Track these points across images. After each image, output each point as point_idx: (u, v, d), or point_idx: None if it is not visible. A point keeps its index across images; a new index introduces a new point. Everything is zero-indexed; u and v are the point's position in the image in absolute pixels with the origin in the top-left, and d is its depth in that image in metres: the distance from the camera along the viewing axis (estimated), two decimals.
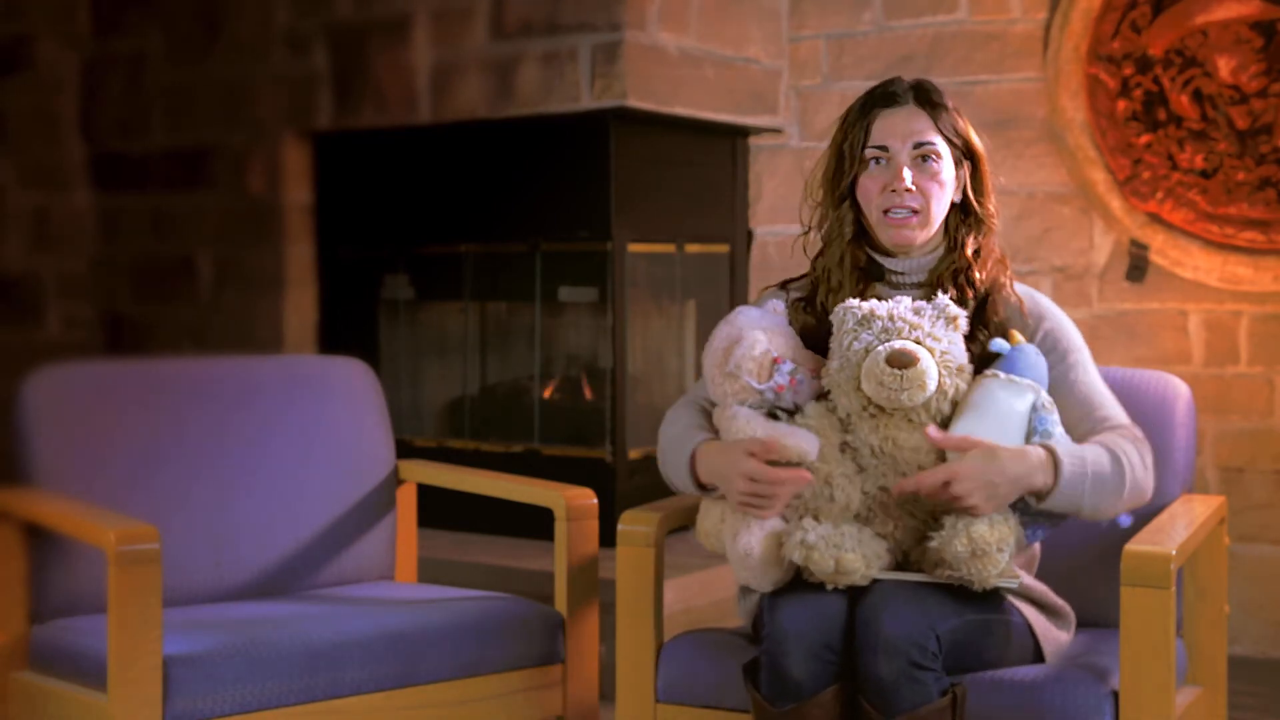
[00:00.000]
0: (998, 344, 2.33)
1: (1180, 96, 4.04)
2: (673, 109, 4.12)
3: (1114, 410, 2.40)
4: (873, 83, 4.02)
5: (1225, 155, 4.01)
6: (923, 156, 2.39)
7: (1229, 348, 4.05)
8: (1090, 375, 2.42)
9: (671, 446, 2.43)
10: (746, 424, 2.31)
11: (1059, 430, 2.30)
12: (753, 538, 2.27)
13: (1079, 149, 4.14)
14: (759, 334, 2.35)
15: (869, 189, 2.42)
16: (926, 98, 2.42)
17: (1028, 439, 2.28)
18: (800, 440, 2.27)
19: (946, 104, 2.43)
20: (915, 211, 2.39)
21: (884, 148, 2.40)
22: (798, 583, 2.26)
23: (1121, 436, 2.34)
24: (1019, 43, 4.25)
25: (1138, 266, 4.13)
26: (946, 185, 2.41)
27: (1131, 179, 4.10)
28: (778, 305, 2.45)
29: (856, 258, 2.45)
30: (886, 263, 2.45)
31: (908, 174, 2.38)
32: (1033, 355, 2.33)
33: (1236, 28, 3.98)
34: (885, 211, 2.40)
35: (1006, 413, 2.27)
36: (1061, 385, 2.38)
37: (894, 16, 4.41)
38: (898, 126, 2.41)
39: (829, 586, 2.22)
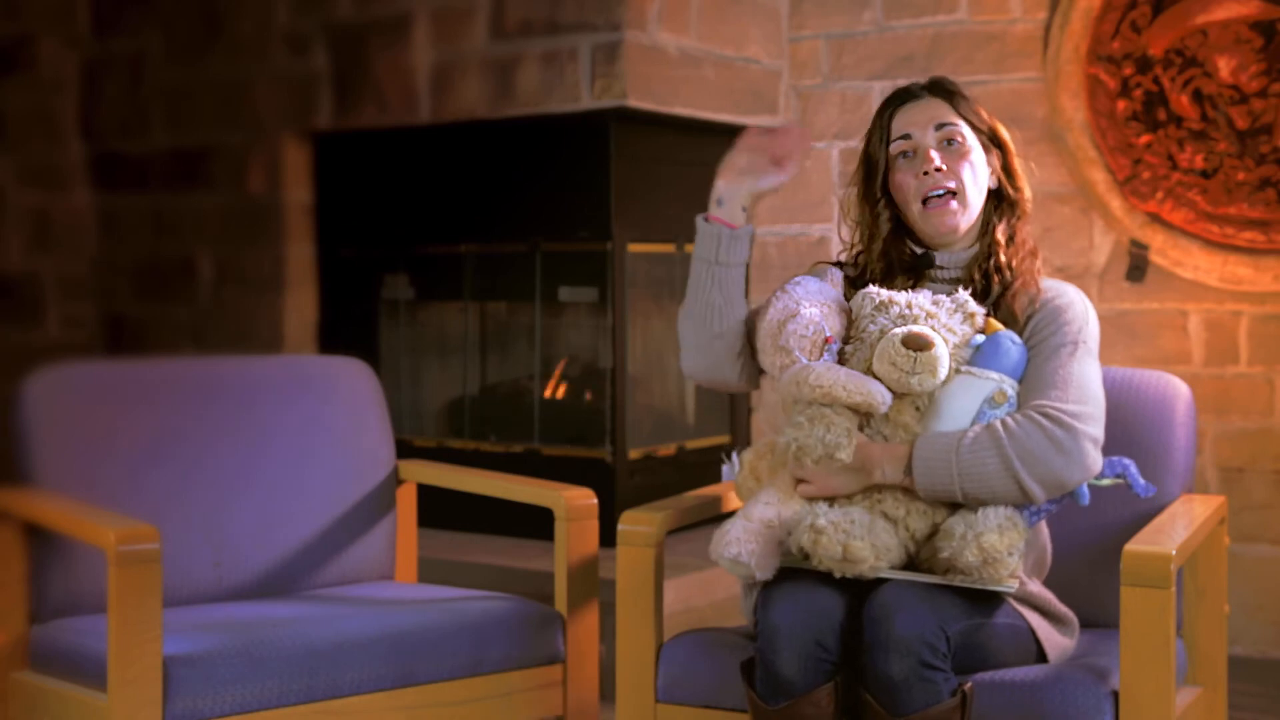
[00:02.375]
0: (974, 338, 2.34)
1: (1180, 96, 4.04)
2: (673, 109, 4.12)
3: (1057, 391, 2.28)
4: (873, 82, 4.02)
5: (1225, 155, 4.01)
6: (947, 139, 2.42)
7: (1229, 348, 4.05)
8: (1062, 359, 2.32)
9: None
10: (827, 370, 2.28)
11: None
12: (736, 527, 2.28)
13: (1079, 149, 4.14)
14: (815, 312, 2.36)
15: (903, 184, 2.44)
16: (942, 88, 2.46)
17: None
18: (874, 392, 2.26)
19: (964, 93, 2.46)
20: (952, 193, 2.40)
21: (907, 135, 2.43)
22: (791, 579, 2.26)
23: (1024, 417, 2.25)
24: (1019, 43, 4.25)
25: (1138, 266, 4.13)
26: (977, 167, 2.43)
27: (1131, 179, 4.10)
28: (836, 275, 2.47)
29: (901, 252, 2.46)
30: (930, 254, 2.46)
31: (935, 155, 2.40)
32: (1005, 343, 2.32)
33: (1236, 28, 3.98)
34: (924, 202, 2.41)
35: (960, 409, 2.29)
36: (1033, 364, 2.34)
37: (894, 16, 4.41)
38: (917, 115, 2.44)
39: (836, 575, 2.20)
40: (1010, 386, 2.30)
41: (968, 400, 2.29)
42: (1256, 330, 4.03)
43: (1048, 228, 4.21)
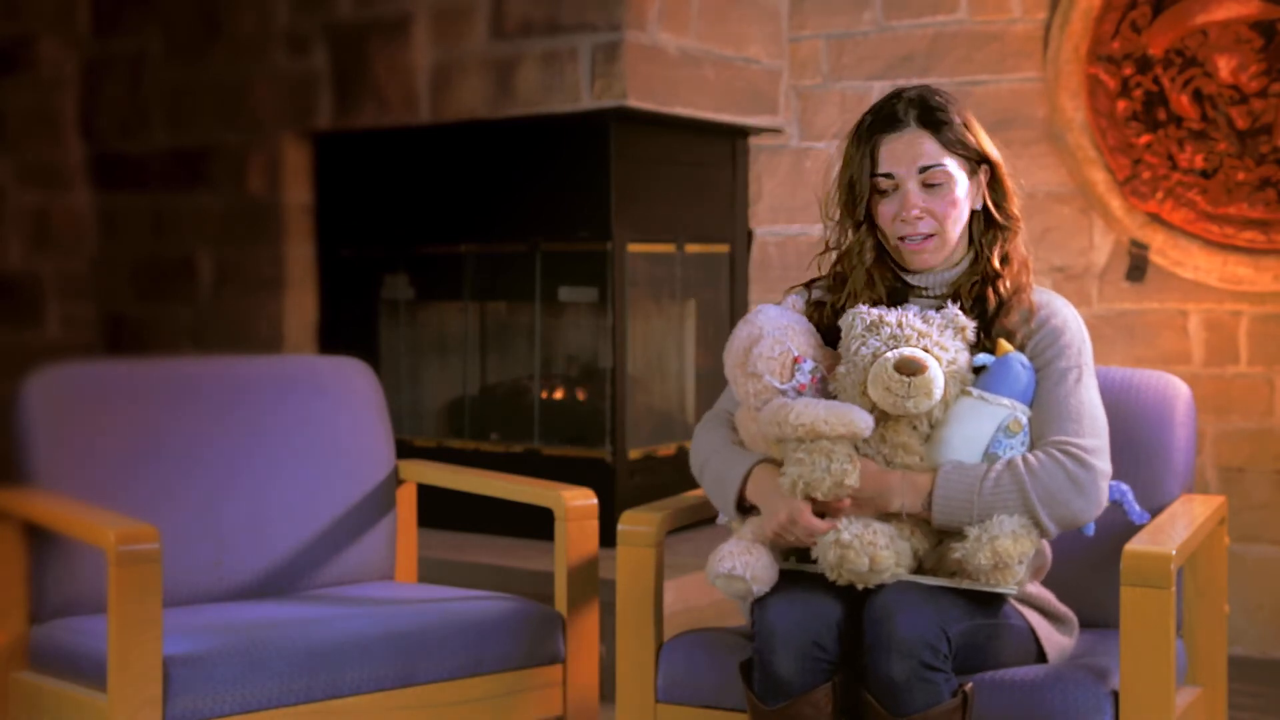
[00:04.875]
0: (982, 358, 2.32)
1: (1180, 96, 4.04)
2: (673, 109, 4.11)
3: (1073, 424, 2.28)
4: (873, 82, 4.00)
5: (1225, 155, 4.01)
6: (931, 182, 2.34)
7: (1229, 348, 4.05)
8: (1069, 386, 2.32)
9: (714, 472, 2.41)
10: (806, 406, 2.27)
11: (1016, 452, 2.28)
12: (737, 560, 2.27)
13: (1079, 149, 4.14)
14: (779, 333, 2.35)
15: (884, 215, 2.38)
16: (930, 117, 2.36)
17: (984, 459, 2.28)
18: (856, 420, 2.25)
19: (952, 118, 2.36)
20: (930, 235, 2.36)
21: (889, 175, 2.36)
22: (788, 581, 2.26)
23: (1046, 456, 2.25)
24: (1019, 43, 4.25)
25: (1138, 266, 4.13)
26: (960, 203, 2.36)
27: (1131, 179, 4.10)
28: (796, 301, 2.45)
29: (884, 277, 2.42)
30: (910, 279, 2.42)
31: (917, 201, 2.34)
32: (1016, 367, 2.30)
33: (1236, 28, 3.98)
34: (901, 238, 2.37)
35: (972, 435, 2.28)
36: (1040, 389, 2.33)
37: (894, 16, 4.41)
38: (902, 152, 2.35)
39: (859, 586, 2.20)
40: (1023, 413, 2.29)
41: (980, 425, 2.27)
42: (1256, 330, 4.03)
43: (1048, 228, 4.21)
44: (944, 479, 2.24)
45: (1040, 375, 2.34)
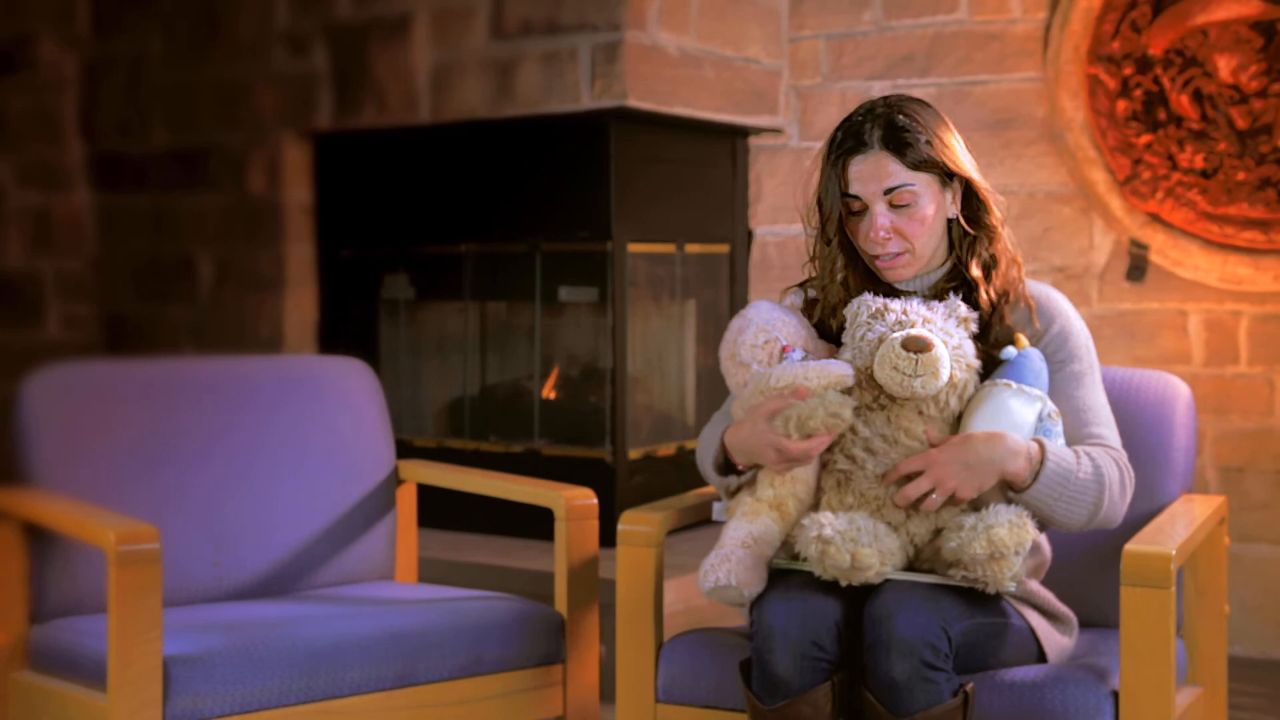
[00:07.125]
0: (1006, 352, 2.33)
1: (1180, 96, 4.04)
2: (673, 109, 4.12)
3: (1106, 430, 2.37)
4: (873, 82, 4.01)
5: (1225, 155, 4.01)
6: (898, 203, 2.34)
7: (1229, 348, 4.05)
8: (1088, 388, 2.39)
9: (705, 445, 2.44)
10: (785, 368, 2.30)
11: (1062, 440, 2.31)
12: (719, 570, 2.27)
13: (1079, 149, 4.14)
14: (765, 323, 2.37)
15: (857, 233, 2.40)
16: (894, 137, 2.33)
17: None
18: (834, 368, 2.27)
19: (918, 137, 2.33)
20: (901, 253, 2.37)
21: (857, 196, 2.36)
22: (786, 580, 2.26)
23: (1111, 459, 2.32)
24: (1019, 43, 4.25)
25: (1138, 266, 4.13)
26: (930, 219, 2.36)
27: (1131, 179, 4.10)
28: (794, 300, 2.49)
29: (862, 286, 2.43)
30: (894, 285, 2.43)
31: (883, 223, 2.34)
32: (1037, 361, 2.34)
33: (1236, 28, 3.98)
34: (873, 256, 2.39)
35: (1019, 423, 2.28)
36: (1058, 393, 2.37)
37: (894, 16, 4.41)
38: (867, 175, 2.34)
39: (843, 583, 2.20)
40: (1051, 403, 2.33)
41: (1022, 415, 2.28)
42: (1256, 330, 4.03)
43: (1048, 228, 4.21)
44: (1054, 455, 2.26)
45: (1056, 377, 2.38)
